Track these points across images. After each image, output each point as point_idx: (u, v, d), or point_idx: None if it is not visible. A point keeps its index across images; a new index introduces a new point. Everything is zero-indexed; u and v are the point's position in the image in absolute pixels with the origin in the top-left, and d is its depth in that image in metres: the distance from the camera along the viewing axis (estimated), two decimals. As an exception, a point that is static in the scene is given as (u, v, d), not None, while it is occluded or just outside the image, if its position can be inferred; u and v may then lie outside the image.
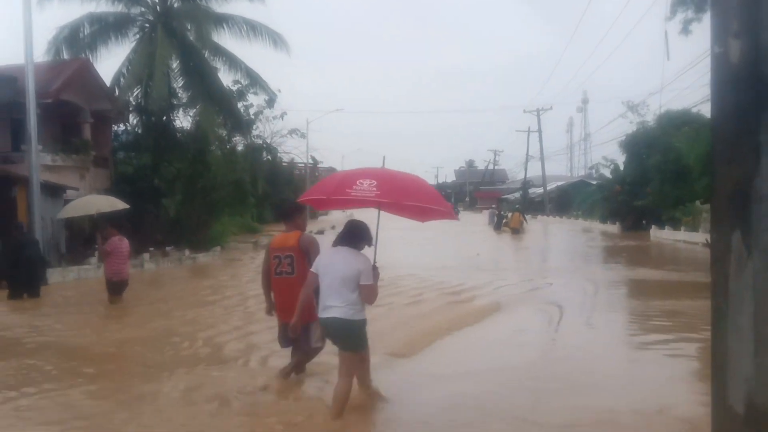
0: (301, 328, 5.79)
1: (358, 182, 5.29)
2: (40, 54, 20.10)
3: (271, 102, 34.59)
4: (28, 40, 16.15)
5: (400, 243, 22.38)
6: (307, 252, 6.10)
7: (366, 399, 5.64)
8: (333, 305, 5.17)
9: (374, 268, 5.30)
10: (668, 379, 6.76)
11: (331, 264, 5.25)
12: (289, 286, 6.03)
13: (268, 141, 44.41)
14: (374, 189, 5.20)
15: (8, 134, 19.22)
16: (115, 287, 12.00)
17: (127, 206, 14.74)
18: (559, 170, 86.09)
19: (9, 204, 16.26)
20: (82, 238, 18.84)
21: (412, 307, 11.25)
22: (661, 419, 5.46)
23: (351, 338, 5.26)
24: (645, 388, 6.34)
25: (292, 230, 6.36)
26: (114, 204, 14.26)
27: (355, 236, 5.39)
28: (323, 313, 5.25)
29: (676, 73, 64.97)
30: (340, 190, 5.46)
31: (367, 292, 5.18)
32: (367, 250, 5.44)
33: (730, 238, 2.13)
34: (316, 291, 5.42)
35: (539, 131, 63.89)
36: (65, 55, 21.59)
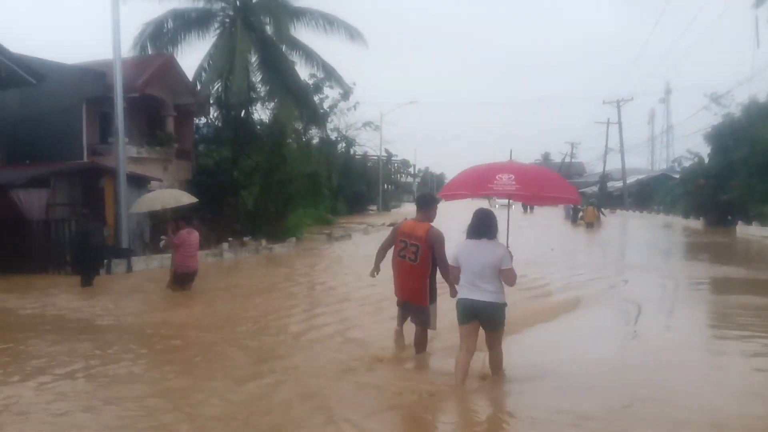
0: (420, 309, 6.77)
1: (497, 177, 5.97)
2: (127, 50, 20.85)
3: (346, 95, 34.97)
4: (116, 37, 16.78)
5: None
6: (432, 245, 6.66)
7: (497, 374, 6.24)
8: (481, 290, 5.83)
9: (509, 253, 5.92)
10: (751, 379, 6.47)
11: (473, 254, 5.88)
12: (410, 271, 6.76)
13: (344, 133, 44.96)
14: (513, 183, 5.90)
15: (97, 127, 20.04)
16: (183, 279, 12.28)
17: (194, 200, 14.88)
18: (640, 163, 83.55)
19: (98, 194, 17.03)
20: (164, 226, 19.51)
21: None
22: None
23: (498, 319, 5.94)
24: (730, 396, 6.04)
25: (423, 220, 6.91)
26: (179, 199, 14.43)
27: (489, 226, 5.95)
28: (469, 295, 5.88)
29: (766, 61, 61.57)
30: (482, 185, 6.14)
31: (508, 275, 5.85)
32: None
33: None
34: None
35: (619, 123, 62.24)
36: (150, 51, 22.31)
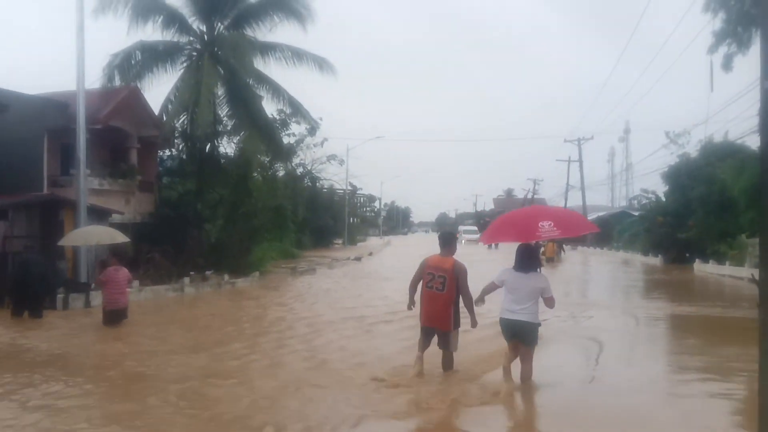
0: (445, 333, 7.83)
1: (540, 225, 7.12)
2: (93, 80, 20.72)
3: (312, 130, 35.08)
4: (80, 67, 16.68)
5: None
6: (457, 277, 7.72)
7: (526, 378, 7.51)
8: (520, 311, 7.21)
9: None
10: (712, 424, 6.57)
11: (519, 282, 7.29)
12: (437, 300, 7.74)
13: (309, 168, 45.03)
14: (555, 228, 7.10)
15: (58, 158, 19.75)
16: (111, 316, 12.36)
17: (127, 240, 14.87)
18: (600, 200, 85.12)
19: (57, 227, 16.69)
20: (125, 262, 19.18)
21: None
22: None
23: (532, 336, 7.37)
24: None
25: (447, 255, 7.96)
26: (114, 237, 14.37)
27: (533, 259, 7.55)
28: (511, 316, 7.29)
29: (721, 104, 63.83)
30: (530, 232, 7.25)
31: (550, 301, 7.37)
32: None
33: (779, 277, 2.08)
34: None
35: (580, 161, 63.39)
36: (117, 82, 22.17)
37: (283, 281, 23.35)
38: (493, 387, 7.54)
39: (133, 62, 22.86)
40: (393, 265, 33.09)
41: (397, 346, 10.22)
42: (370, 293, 19.17)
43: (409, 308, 8.30)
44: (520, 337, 7.33)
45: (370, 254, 43.12)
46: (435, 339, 8.06)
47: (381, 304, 15.88)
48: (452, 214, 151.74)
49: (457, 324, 7.88)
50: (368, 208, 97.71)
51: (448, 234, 8.57)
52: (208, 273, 20.51)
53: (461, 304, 7.84)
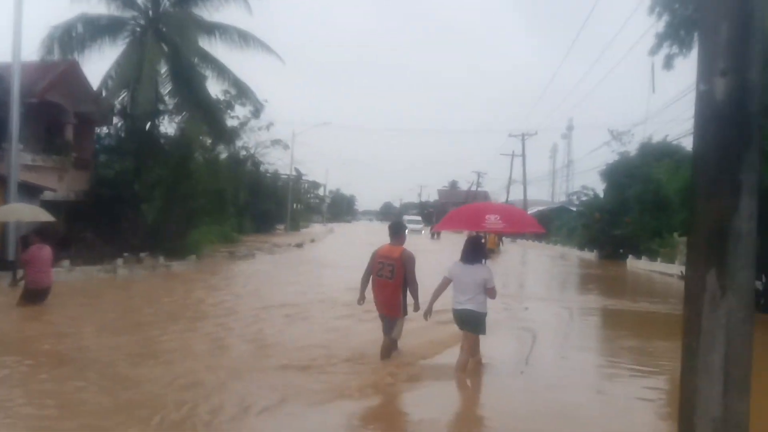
0: (392, 320, 8.07)
1: (487, 217, 7.67)
2: (31, 52, 19.91)
3: (257, 113, 34.58)
4: (17, 39, 16.04)
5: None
6: (405, 264, 7.90)
7: (475, 366, 7.99)
8: (467, 301, 7.57)
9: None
10: (634, 417, 6.76)
11: (464, 274, 7.64)
12: (386, 287, 7.96)
13: (253, 151, 44.40)
14: (501, 221, 7.63)
15: (-12, 131, 18.97)
16: (34, 295, 11.99)
17: (51, 219, 14.29)
18: (541, 195, 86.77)
19: (-16, 202, 16.02)
20: (55, 241, 18.57)
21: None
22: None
23: (479, 324, 7.72)
24: (611, 428, 6.30)
25: (396, 244, 8.15)
26: (37, 215, 13.93)
27: (478, 252, 7.88)
28: (459, 306, 7.64)
29: (661, 105, 65.96)
30: (477, 223, 7.87)
31: (491, 292, 7.65)
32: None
33: (705, 276, 2.12)
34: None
35: (523, 155, 64.41)
36: (57, 55, 21.36)
37: (221, 266, 22.97)
38: (432, 371, 8.02)
39: (74, 35, 22.07)
40: (334, 252, 33.02)
41: (324, 334, 10.28)
42: (306, 280, 19.00)
43: (359, 303, 8.35)
44: (468, 325, 7.67)
45: (312, 241, 42.85)
46: None
47: (315, 292, 15.69)
48: (397, 204, 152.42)
49: (404, 311, 8.08)
50: (313, 195, 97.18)
51: (397, 224, 8.72)
52: (142, 255, 20.00)
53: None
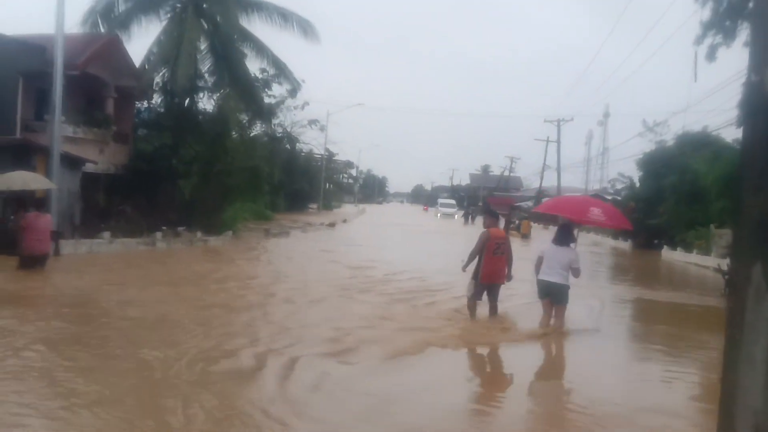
0: (497, 288, 9.99)
1: (591, 209, 9.51)
2: (72, 25, 20.23)
3: (293, 92, 34.70)
4: (60, 11, 16.27)
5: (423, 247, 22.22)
6: (508, 242, 10.09)
7: (559, 329, 9.39)
8: (555, 275, 9.11)
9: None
10: (671, 407, 6.71)
11: (555, 253, 9.26)
12: (501, 261, 9.82)
13: (288, 130, 44.62)
14: (602, 215, 9.50)
15: (33, 103, 19.35)
16: (31, 262, 12.18)
17: (53, 186, 14.29)
18: (575, 182, 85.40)
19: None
20: (97, 210, 19.00)
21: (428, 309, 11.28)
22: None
23: (564, 295, 9.25)
24: (646, 418, 6.25)
25: (497, 226, 10.54)
26: (41, 182, 13.99)
27: (568, 237, 9.52)
28: (546, 278, 9.18)
29: (701, 94, 64.34)
30: (581, 213, 9.71)
31: (576, 271, 9.23)
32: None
33: (750, 269, 2.11)
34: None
35: (558, 142, 63.70)
36: (100, 29, 21.68)
37: (257, 242, 23.27)
38: (529, 331, 9.52)
39: (116, 9, 22.36)
40: (367, 233, 33.17)
41: (396, 305, 11.42)
42: (342, 259, 19.18)
43: (464, 270, 9.99)
44: (554, 296, 9.20)
45: (345, 221, 43.10)
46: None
47: (350, 273, 15.81)
48: (428, 187, 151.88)
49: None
50: (345, 175, 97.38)
51: (495, 212, 11.34)
52: (180, 229, 20.35)
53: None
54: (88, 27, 21.23)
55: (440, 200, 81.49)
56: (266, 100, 30.72)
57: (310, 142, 53.01)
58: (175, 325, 8.65)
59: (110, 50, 21.28)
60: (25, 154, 16.59)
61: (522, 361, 8.43)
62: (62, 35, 16.36)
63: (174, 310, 9.57)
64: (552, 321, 9.35)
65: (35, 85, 18.92)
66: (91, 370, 6.38)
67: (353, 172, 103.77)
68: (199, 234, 20.69)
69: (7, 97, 18.36)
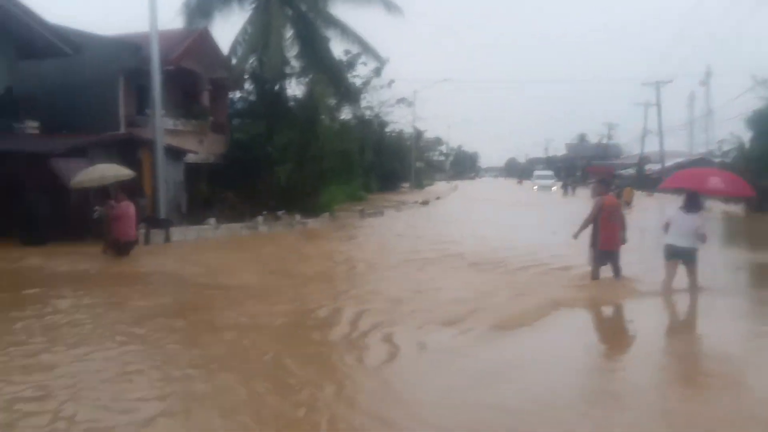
0: (617, 254, 10.55)
1: (709, 178, 10.05)
2: (166, 21, 20.90)
3: (378, 71, 34.71)
4: (153, 10, 16.81)
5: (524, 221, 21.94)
6: (619, 209, 10.85)
7: (692, 288, 9.87)
8: (682, 240, 9.63)
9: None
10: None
11: (683, 219, 9.71)
12: (616, 228, 10.45)
13: (377, 111, 44.66)
14: (721, 183, 9.96)
15: (133, 99, 20.15)
16: (125, 247, 13.02)
17: (132, 174, 14.48)
18: (678, 146, 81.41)
19: (135, 165, 17.07)
20: (201, 199, 19.71)
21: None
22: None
23: (692, 257, 9.76)
24: None
25: (607, 194, 10.89)
26: (118, 172, 14.12)
27: (696, 204, 9.86)
28: (675, 242, 9.72)
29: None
30: (701, 183, 10.07)
31: (702, 237, 9.64)
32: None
33: None
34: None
35: (658, 105, 60.93)
36: (189, 24, 22.34)
37: (354, 222, 23.51)
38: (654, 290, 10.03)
39: (203, 3, 22.92)
40: (463, 209, 32.87)
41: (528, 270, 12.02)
42: (446, 234, 19.30)
43: (575, 237, 10.68)
44: (683, 258, 9.73)
45: (438, 198, 42.90)
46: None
47: (457, 248, 15.67)
48: (522, 159, 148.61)
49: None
50: (436, 152, 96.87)
51: (607, 180, 12.22)
52: (279, 213, 20.82)
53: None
54: (182, 23, 21.84)
55: (536, 172, 78.90)
56: (352, 81, 30.81)
57: (399, 121, 52.87)
58: (307, 296, 9.68)
59: (202, 44, 21.87)
60: (130, 148, 17.30)
61: (654, 317, 8.88)
62: (156, 31, 16.91)
63: (300, 283, 10.67)
64: (685, 281, 9.82)
65: (135, 82, 19.69)
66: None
67: (443, 148, 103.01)
68: (297, 217, 21.11)
69: (110, 94, 19.23)
